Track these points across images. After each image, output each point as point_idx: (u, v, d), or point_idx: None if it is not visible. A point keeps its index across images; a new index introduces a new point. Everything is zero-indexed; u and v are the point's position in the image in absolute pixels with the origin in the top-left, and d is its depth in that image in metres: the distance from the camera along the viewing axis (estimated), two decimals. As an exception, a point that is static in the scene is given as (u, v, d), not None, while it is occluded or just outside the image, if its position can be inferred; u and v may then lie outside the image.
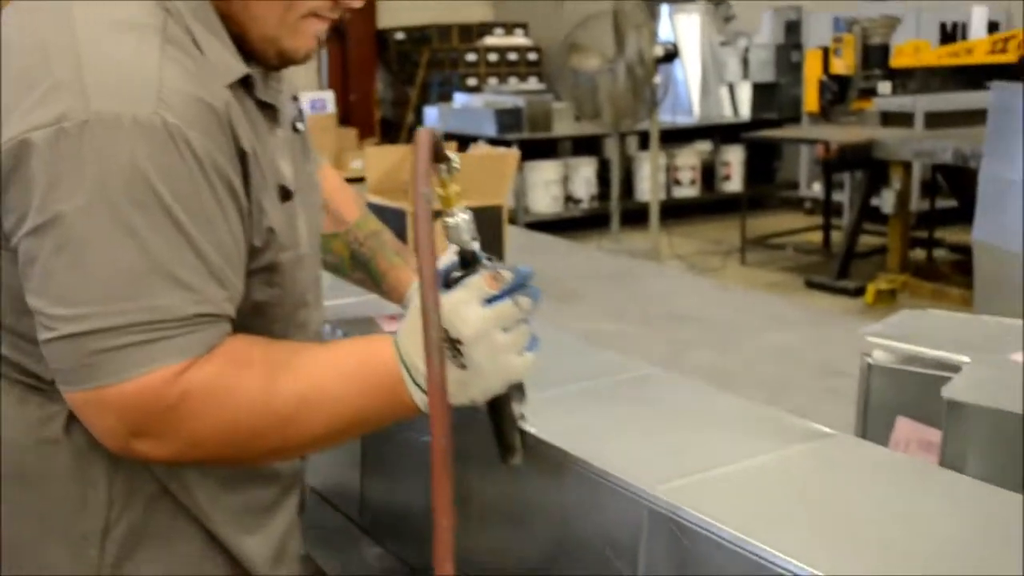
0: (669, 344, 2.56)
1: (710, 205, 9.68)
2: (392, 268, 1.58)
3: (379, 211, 3.07)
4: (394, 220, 3.03)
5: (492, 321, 1.11)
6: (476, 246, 1.16)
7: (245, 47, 1.17)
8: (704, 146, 9.86)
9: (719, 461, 1.18)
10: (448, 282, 1.14)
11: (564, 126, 9.02)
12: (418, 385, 1.11)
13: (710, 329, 2.82)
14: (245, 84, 1.16)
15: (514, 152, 2.95)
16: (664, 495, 1.10)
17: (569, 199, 9.09)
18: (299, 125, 1.32)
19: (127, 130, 1.03)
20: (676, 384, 1.47)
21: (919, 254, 7.64)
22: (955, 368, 1.46)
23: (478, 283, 1.13)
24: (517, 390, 1.20)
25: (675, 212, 9.12)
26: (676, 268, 7.16)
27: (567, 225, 8.62)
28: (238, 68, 1.15)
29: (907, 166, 6.89)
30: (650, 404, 1.39)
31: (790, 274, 7.52)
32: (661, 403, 1.39)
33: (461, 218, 1.14)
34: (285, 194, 1.21)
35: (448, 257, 1.17)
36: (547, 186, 8.88)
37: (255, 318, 1.19)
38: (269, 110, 1.22)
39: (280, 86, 1.27)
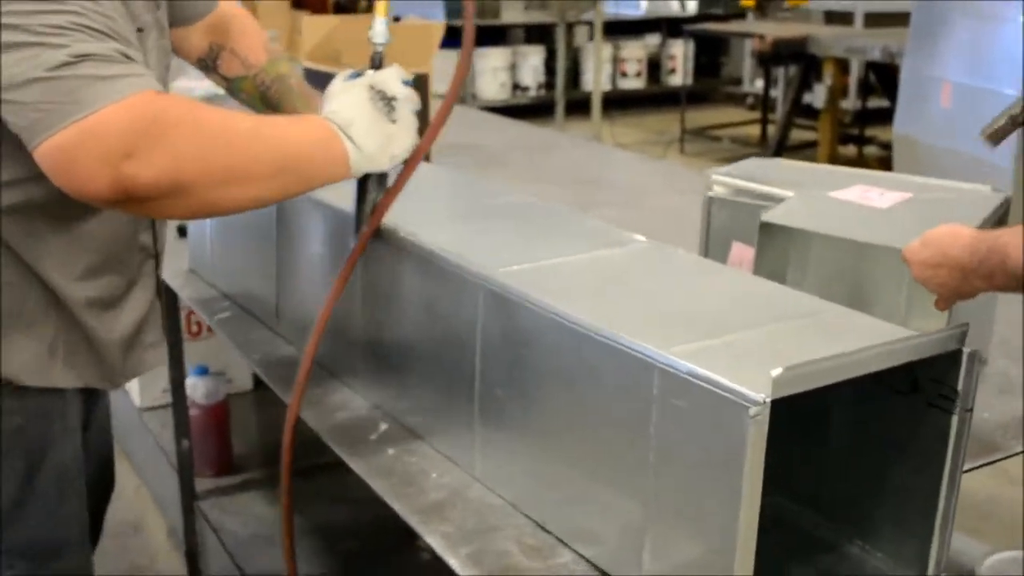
0: (576, 201, 2.81)
1: (655, 97, 9.88)
2: (296, 110, 1.75)
3: (314, 75, 3.27)
4: (326, 84, 3.23)
5: (410, 94, 1.46)
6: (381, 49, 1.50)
7: None
8: (652, 39, 10.02)
9: (548, 256, 1.44)
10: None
11: (513, 14, 9.13)
12: (349, 137, 1.38)
13: (617, 191, 3.06)
14: None
15: (439, 23, 3.14)
16: (497, 277, 1.35)
17: (517, 87, 9.25)
18: None
19: None
20: (540, 206, 1.72)
21: (851, 150, 7.92)
22: (780, 200, 1.72)
23: (399, 68, 1.47)
24: (382, 182, 1.51)
25: (620, 103, 9.33)
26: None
27: (514, 112, 8.69)
28: None
29: (841, 63, 7.11)
30: (508, 218, 1.64)
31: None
32: (519, 218, 1.65)
33: (379, 21, 1.50)
34: (139, 28, 1.41)
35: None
36: (495, 73, 9.03)
37: None
38: None
39: None
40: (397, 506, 1.37)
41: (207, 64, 1.79)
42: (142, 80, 1.24)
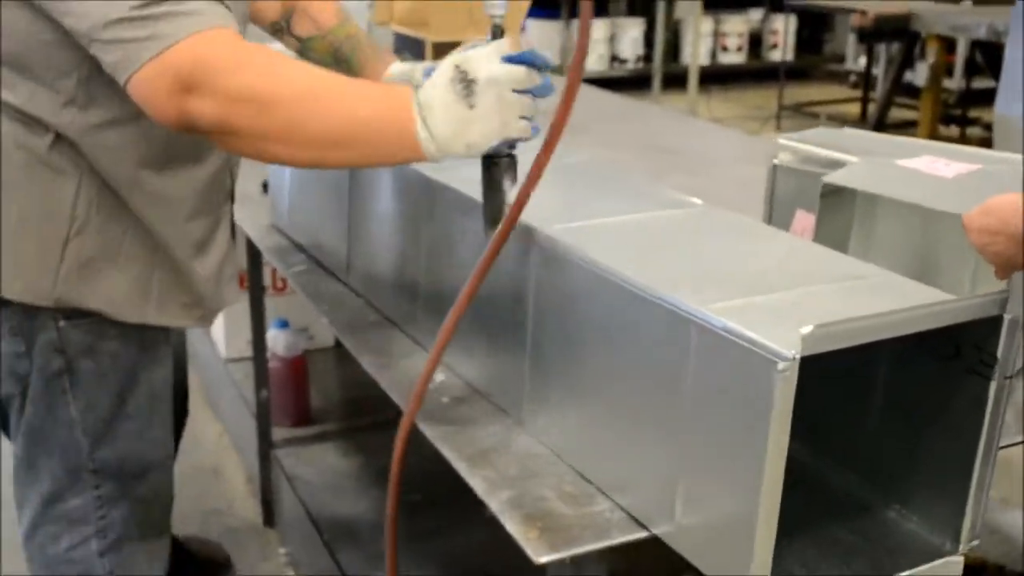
0: (648, 168, 2.81)
1: (756, 73, 9.75)
2: (368, 62, 1.81)
3: (404, 40, 3.32)
4: (415, 48, 3.29)
5: (505, 74, 1.27)
6: (499, 20, 1.35)
7: None
8: (755, 14, 9.89)
9: (602, 214, 1.47)
10: None
11: (614, -15, 9.09)
12: (423, 119, 1.28)
13: (692, 160, 3.06)
14: None
15: (526, -2, 3.15)
16: (549, 233, 1.39)
17: (615, 59, 9.21)
18: None
19: None
20: (602, 167, 1.74)
21: (953, 131, 7.72)
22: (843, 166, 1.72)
23: (500, 43, 1.30)
24: (511, 173, 1.39)
25: (720, 78, 9.25)
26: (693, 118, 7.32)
27: (611, 84, 8.62)
28: None
29: (946, 41, 6.93)
30: (569, 177, 1.67)
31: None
32: (579, 177, 1.68)
33: None
34: None
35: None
36: (593, 45, 8.99)
37: None
38: None
39: None
40: (446, 451, 1.42)
41: (280, 27, 1.87)
42: (213, 18, 1.30)
